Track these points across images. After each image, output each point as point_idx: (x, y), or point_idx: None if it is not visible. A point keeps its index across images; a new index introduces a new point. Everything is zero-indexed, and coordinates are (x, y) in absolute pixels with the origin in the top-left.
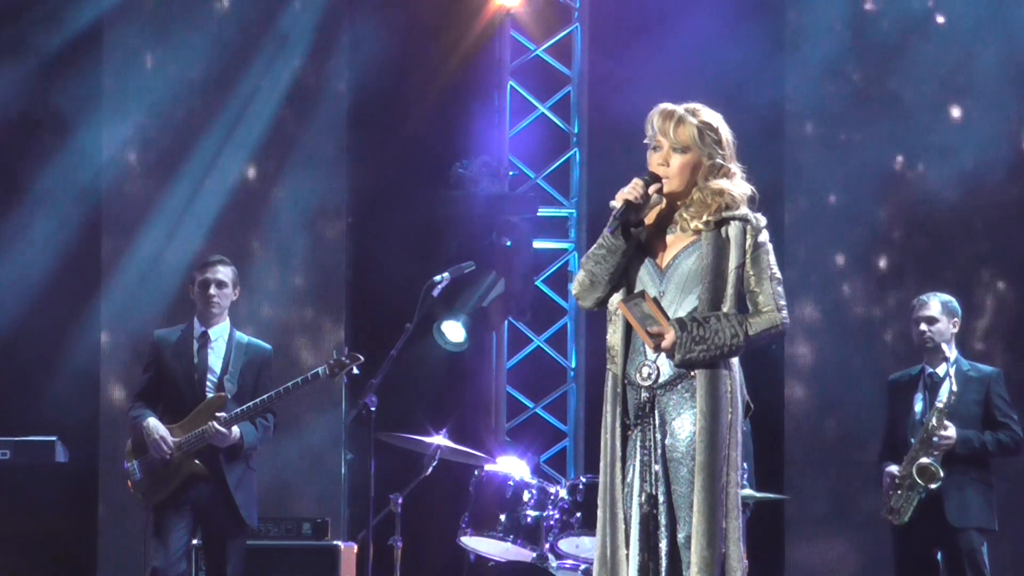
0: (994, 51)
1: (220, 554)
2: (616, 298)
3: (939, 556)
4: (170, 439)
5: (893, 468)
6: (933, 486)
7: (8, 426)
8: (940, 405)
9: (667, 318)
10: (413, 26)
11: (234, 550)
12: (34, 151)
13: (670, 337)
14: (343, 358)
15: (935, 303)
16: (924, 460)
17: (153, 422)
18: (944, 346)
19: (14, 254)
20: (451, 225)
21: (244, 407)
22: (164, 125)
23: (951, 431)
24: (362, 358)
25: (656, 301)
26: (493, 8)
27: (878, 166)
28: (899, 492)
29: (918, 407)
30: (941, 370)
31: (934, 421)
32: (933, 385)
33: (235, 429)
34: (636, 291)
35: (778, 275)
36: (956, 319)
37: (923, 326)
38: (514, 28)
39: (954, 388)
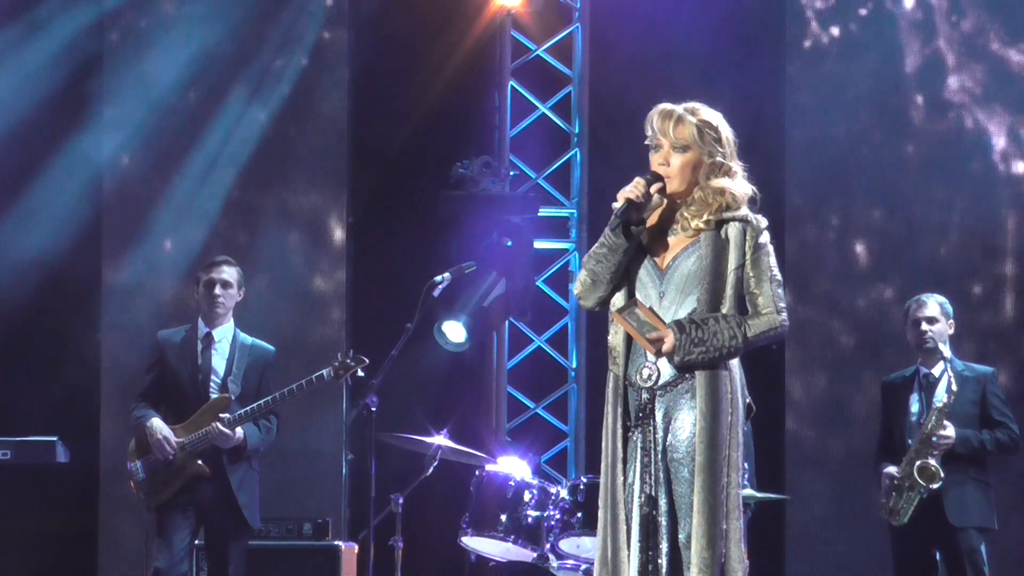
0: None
1: (222, 555)
2: (617, 300)
3: (938, 556)
4: (173, 440)
5: (892, 469)
6: (934, 486)
7: (9, 426)
8: (940, 405)
9: (663, 322)
10: (414, 26)
11: (236, 551)
12: (34, 151)
13: (670, 340)
14: (348, 360)
15: (933, 303)
16: (925, 460)
17: (157, 423)
18: (942, 346)
19: (14, 254)
20: (451, 225)
21: (248, 408)
22: (164, 125)
23: (950, 431)
24: (367, 360)
25: (650, 308)
26: (494, 8)
27: (880, 166)
28: (899, 493)
29: (914, 408)
30: (936, 370)
31: (933, 421)
32: (929, 386)
33: (238, 431)
34: (631, 297)
35: (778, 277)
36: (951, 320)
37: (924, 325)
38: (515, 28)
39: (954, 387)
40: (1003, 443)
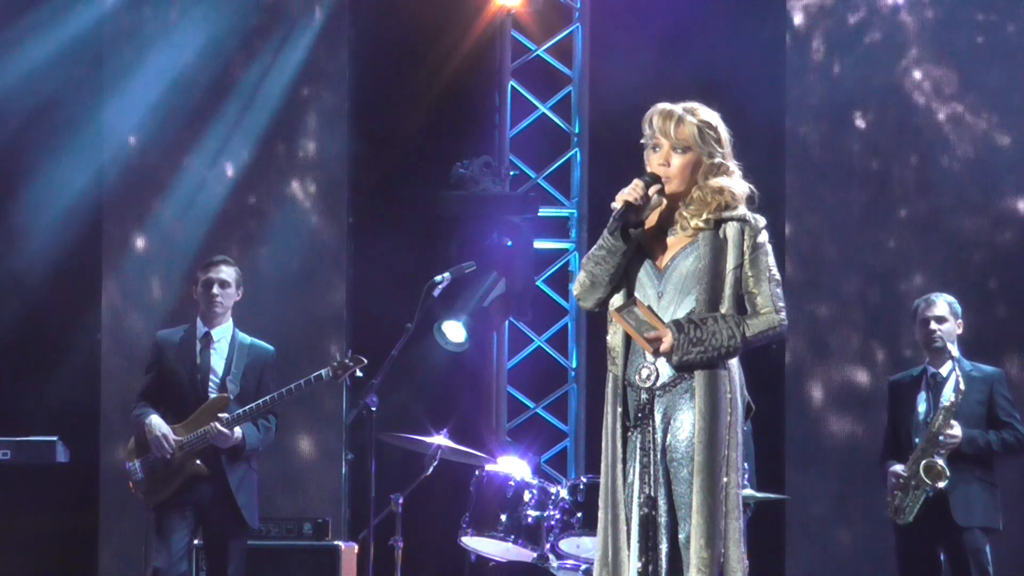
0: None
1: (221, 555)
2: (616, 301)
3: (942, 555)
4: (172, 437)
5: (898, 467)
6: (941, 485)
7: (9, 426)
8: (948, 404)
9: (662, 321)
10: (414, 26)
11: (235, 551)
12: (34, 151)
13: (668, 340)
14: (347, 360)
15: (942, 303)
16: (931, 459)
17: (156, 420)
18: (950, 346)
19: (14, 254)
20: (452, 225)
21: (246, 408)
22: (165, 125)
23: (957, 430)
24: (365, 360)
25: (649, 307)
26: (494, 8)
27: (879, 166)
28: (905, 491)
29: (922, 407)
30: (944, 370)
31: (941, 420)
32: (936, 385)
33: (237, 430)
34: (629, 298)
35: (777, 276)
36: (960, 320)
37: (933, 325)
38: (515, 28)
39: (962, 387)
40: (1009, 444)
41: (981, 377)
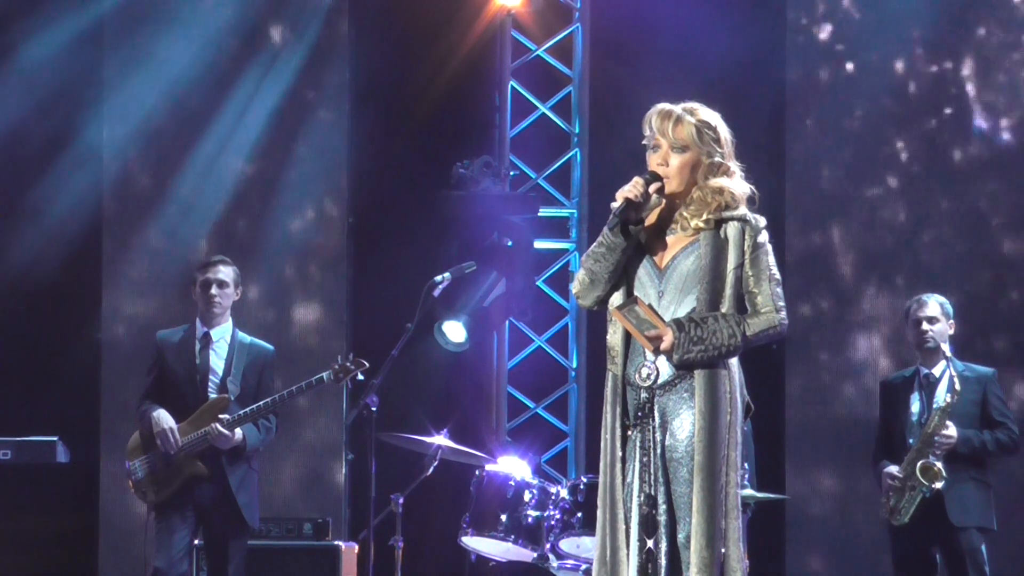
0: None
1: (221, 555)
2: (615, 300)
3: (937, 555)
4: (177, 431)
5: (892, 468)
6: (937, 486)
7: (9, 426)
8: (944, 404)
9: (662, 320)
10: (414, 26)
11: (235, 551)
12: (34, 151)
13: (668, 338)
14: (348, 364)
15: (934, 303)
16: (928, 460)
17: (163, 414)
18: (943, 346)
19: (15, 254)
20: (452, 225)
21: (247, 410)
22: (164, 125)
23: (952, 430)
24: (367, 364)
25: (650, 306)
26: (494, 8)
27: (877, 168)
28: (900, 492)
29: (915, 407)
30: (937, 370)
31: (936, 420)
32: (929, 385)
33: (237, 432)
34: (630, 296)
35: (777, 276)
36: (951, 320)
37: (925, 325)
38: (515, 28)
39: (958, 387)
40: (1004, 443)
41: (974, 377)
